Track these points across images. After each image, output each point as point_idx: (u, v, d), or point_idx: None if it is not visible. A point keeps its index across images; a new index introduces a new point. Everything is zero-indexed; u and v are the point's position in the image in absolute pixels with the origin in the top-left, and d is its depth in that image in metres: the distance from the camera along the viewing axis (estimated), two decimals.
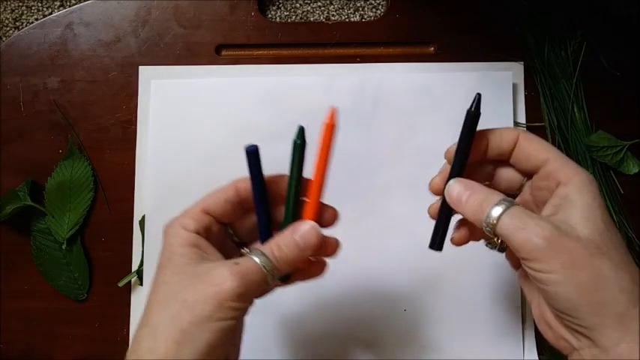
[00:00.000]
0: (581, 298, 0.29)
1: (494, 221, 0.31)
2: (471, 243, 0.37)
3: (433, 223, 0.36)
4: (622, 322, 0.28)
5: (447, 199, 0.34)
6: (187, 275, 0.31)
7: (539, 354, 0.47)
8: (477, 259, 0.47)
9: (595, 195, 0.30)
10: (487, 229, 0.31)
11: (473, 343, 0.47)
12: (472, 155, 0.34)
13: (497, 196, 0.31)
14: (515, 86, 0.49)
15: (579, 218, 0.30)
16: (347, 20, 0.51)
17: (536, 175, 0.33)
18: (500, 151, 0.34)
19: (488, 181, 0.36)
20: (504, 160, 0.35)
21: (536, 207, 0.34)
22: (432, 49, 0.50)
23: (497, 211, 0.31)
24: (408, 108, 0.48)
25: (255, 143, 0.35)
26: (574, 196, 0.30)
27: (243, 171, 0.47)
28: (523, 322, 0.47)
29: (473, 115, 0.34)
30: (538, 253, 0.29)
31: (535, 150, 0.32)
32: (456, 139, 0.48)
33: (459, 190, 0.33)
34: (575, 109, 0.49)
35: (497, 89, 0.48)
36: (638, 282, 0.29)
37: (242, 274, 0.30)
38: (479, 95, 0.34)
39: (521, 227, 0.30)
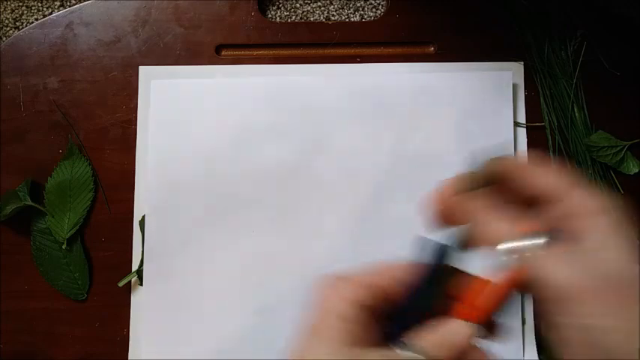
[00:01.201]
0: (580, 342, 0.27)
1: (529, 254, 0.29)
2: None
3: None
4: None
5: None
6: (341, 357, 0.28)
7: (539, 354, 0.47)
8: (478, 259, 0.47)
9: (606, 227, 0.28)
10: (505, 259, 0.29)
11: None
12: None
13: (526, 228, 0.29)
14: (515, 86, 0.49)
15: (587, 256, 0.28)
16: (347, 20, 0.51)
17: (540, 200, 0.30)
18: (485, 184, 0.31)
19: None
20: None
21: None
22: (432, 49, 0.50)
23: (538, 241, 0.28)
24: (408, 108, 0.48)
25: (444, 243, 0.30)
26: (585, 229, 0.28)
27: (243, 171, 0.47)
28: (523, 322, 0.47)
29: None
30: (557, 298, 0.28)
31: (536, 181, 0.30)
32: (456, 138, 0.48)
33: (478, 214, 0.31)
34: (575, 109, 0.49)
35: (497, 89, 0.48)
36: None
37: None
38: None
39: (554, 269, 0.28)
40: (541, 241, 0.28)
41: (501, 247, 0.29)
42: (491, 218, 0.30)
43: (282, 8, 0.51)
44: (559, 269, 0.27)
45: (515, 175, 0.30)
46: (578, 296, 0.27)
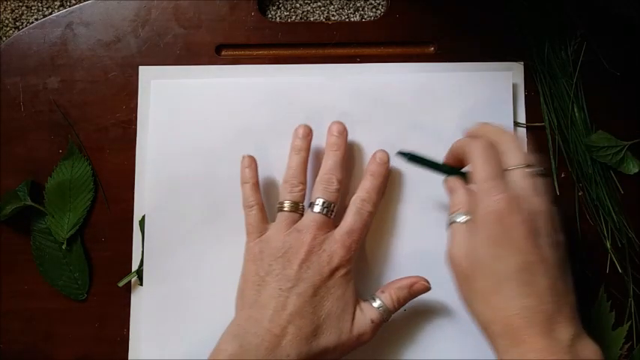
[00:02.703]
0: (463, 299, 0.40)
1: (449, 222, 0.40)
2: None
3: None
4: (488, 338, 0.38)
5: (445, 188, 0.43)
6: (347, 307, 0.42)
7: None
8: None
9: (487, 230, 0.37)
10: (448, 222, 0.40)
11: (472, 343, 0.47)
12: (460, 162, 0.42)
13: (468, 207, 0.39)
14: (515, 86, 0.49)
15: (470, 245, 0.38)
16: (347, 20, 0.51)
17: None
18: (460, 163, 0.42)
19: None
20: None
21: None
22: (432, 49, 0.50)
23: (456, 218, 0.39)
24: (408, 108, 0.48)
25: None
26: (475, 225, 0.38)
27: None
28: None
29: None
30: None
31: (470, 167, 0.40)
32: (456, 138, 0.48)
33: (447, 186, 0.43)
34: (575, 109, 0.49)
35: (497, 89, 0.48)
36: (509, 306, 0.35)
37: (375, 330, 0.42)
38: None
39: (450, 240, 0.40)
40: (461, 217, 0.39)
41: (452, 211, 0.40)
42: (459, 187, 0.41)
43: (282, 8, 0.51)
44: (455, 244, 0.39)
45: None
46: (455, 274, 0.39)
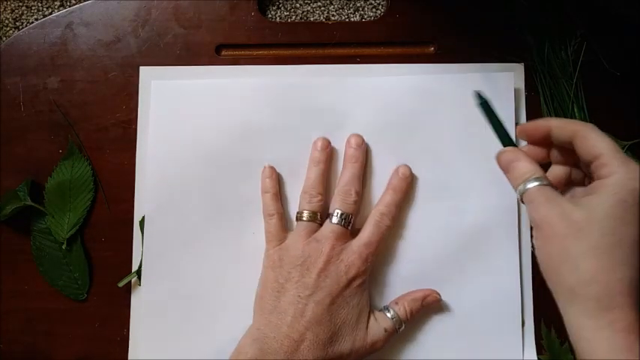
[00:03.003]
0: (547, 266, 0.36)
1: (523, 191, 0.37)
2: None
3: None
4: (573, 296, 0.34)
5: (497, 163, 0.40)
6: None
7: (538, 354, 0.47)
8: (478, 260, 0.47)
9: (619, 193, 0.34)
10: (519, 195, 0.38)
11: (472, 343, 0.47)
12: (537, 140, 0.40)
13: (536, 172, 0.38)
14: (515, 87, 0.49)
15: (585, 206, 0.35)
16: (347, 20, 0.51)
17: (591, 164, 0.37)
18: (560, 140, 0.39)
19: (563, 160, 0.41)
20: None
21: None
22: (432, 49, 0.50)
23: (530, 184, 0.37)
24: (408, 109, 0.48)
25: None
26: (600, 189, 0.35)
27: (242, 171, 0.47)
28: (522, 322, 0.47)
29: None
30: (534, 224, 0.36)
31: (589, 147, 0.36)
32: (457, 140, 0.48)
33: (507, 158, 0.39)
34: (575, 109, 0.49)
35: (498, 91, 0.48)
36: (609, 272, 0.33)
37: (388, 339, 0.44)
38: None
39: (538, 203, 0.36)
40: (530, 184, 0.37)
41: (522, 179, 0.38)
42: (522, 156, 0.39)
43: (282, 8, 0.51)
44: (537, 206, 0.37)
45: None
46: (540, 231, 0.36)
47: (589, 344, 0.34)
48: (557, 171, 0.40)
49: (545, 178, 0.37)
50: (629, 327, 0.33)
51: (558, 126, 0.38)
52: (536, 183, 0.37)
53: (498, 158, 0.40)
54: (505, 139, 0.41)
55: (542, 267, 0.36)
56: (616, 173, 0.35)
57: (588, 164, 0.37)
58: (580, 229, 0.34)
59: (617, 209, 0.34)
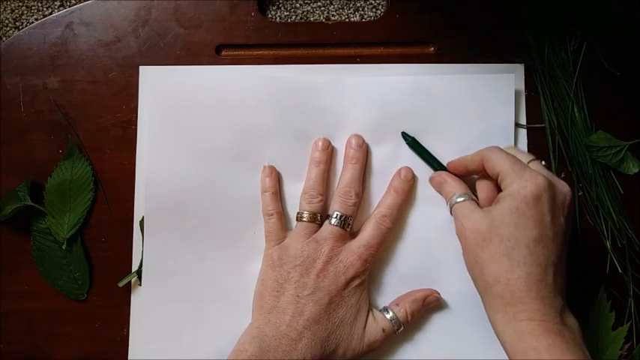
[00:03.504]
0: (469, 272, 0.42)
1: (451, 207, 0.44)
2: None
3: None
4: (486, 295, 0.41)
5: (431, 185, 0.47)
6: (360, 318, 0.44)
7: None
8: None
9: (514, 202, 0.40)
10: (449, 210, 0.45)
11: (472, 343, 0.47)
12: (463, 173, 0.46)
13: (459, 189, 0.44)
14: (516, 88, 0.49)
15: (489, 216, 0.41)
16: (347, 20, 0.51)
17: (497, 180, 0.43)
18: (477, 169, 0.44)
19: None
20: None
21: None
22: (432, 49, 0.50)
23: (455, 201, 0.44)
24: (408, 109, 0.48)
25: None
26: (500, 199, 0.41)
27: (242, 171, 0.47)
28: None
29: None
30: (457, 236, 0.43)
31: (492, 167, 0.42)
32: (457, 140, 0.49)
33: (437, 180, 0.47)
34: (575, 110, 0.49)
35: (499, 92, 0.48)
36: (508, 272, 0.39)
37: (386, 339, 0.44)
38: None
39: (458, 218, 0.43)
40: (461, 197, 0.44)
41: (449, 197, 0.45)
42: (449, 178, 0.46)
43: (282, 8, 0.51)
44: (457, 221, 0.43)
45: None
46: (465, 240, 0.42)
47: (501, 335, 0.40)
48: (484, 186, 0.45)
49: (468, 194, 0.44)
50: (531, 316, 0.38)
51: (471, 159, 0.45)
52: (460, 199, 0.43)
53: (431, 181, 0.47)
54: (436, 165, 0.47)
55: (468, 274, 0.42)
56: (511, 184, 0.40)
57: (497, 181, 0.42)
58: (484, 238, 0.40)
59: (512, 216, 0.40)
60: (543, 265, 0.39)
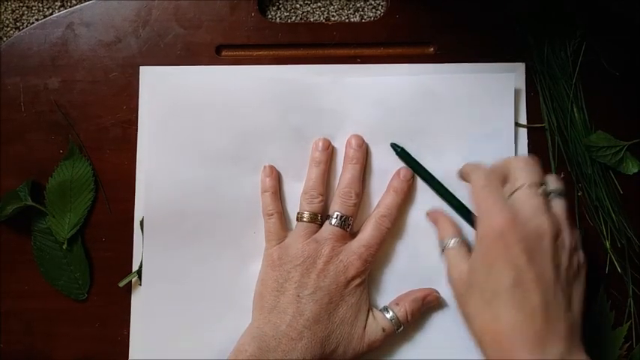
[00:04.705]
0: (463, 318, 0.41)
1: (443, 249, 0.44)
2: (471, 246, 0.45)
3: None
4: (480, 346, 0.39)
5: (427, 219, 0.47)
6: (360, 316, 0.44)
7: None
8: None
9: (482, 248, 0.38)
10: (440, 251, 0.45)
11: (472, 343, 0.47)
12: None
13: (450, 234, 0.44)
14: (516, 88, 0.49)
15: (469, 265, 0.40)
16: (347, 21, 0.51)
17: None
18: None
19: None
20: None
21: None
22: (432, 49, 0.50)
23: (446, 245, 0.44)
24: (408, 109, 0.48)
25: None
26: (475, 244, 0.40)
27: (242, 171, 0.48)
28: None
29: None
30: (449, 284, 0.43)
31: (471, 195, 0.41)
32: (457, 140, 0.49)
33: (432, 217, 0.47)
34: (575, 110, 0.49)
35: (499, 91, 0.48)
36: (493, 322, 0.37)
37: (386, 339, 0.44)
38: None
39: (447, 266, 0.43)
40: (451, 242, 0.44)
41: (440, 239, 0.45)
42: (442, 219, 0.46)
43: (282, 9, 0.52)
44: (447, 268, 0.43)
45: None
46: (457, 290, 0.41)
47: None
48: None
49: (459, 237, 0.44)
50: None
51: (465, 175, 0.44)
52: (450, 244, 0.43)
53: (427, 215, 0.47)
54: (425, 176, 0.47)
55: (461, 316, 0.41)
56: (479, 225, 0.39)
57: None
58: (467, 287, 0.40)
59: (483, 263, 0.38)
60: (528, 312, 0.36)
